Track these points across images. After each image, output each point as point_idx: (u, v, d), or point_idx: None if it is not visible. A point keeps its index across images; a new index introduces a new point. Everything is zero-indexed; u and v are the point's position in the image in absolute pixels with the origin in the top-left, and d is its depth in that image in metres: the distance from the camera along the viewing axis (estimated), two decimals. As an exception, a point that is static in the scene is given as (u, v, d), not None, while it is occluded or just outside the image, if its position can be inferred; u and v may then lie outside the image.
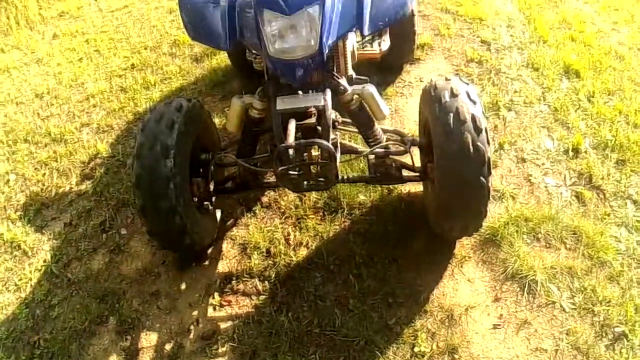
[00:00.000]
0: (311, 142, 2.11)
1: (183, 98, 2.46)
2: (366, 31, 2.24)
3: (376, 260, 2.64)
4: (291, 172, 2.17)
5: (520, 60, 4.24)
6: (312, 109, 2.27)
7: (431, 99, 2.28)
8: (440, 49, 4.44)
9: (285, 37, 2.12)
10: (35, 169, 3.68)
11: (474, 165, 2.12)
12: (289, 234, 2.80)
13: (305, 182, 2.25)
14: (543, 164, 3.16)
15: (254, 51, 2.43)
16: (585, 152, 3.24)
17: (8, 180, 3.62)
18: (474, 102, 2.19)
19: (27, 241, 3.07)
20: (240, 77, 4.15)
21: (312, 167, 2.20)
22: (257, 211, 2.95)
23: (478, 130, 2.11)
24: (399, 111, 3.68)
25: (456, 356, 2.26)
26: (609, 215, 2.82)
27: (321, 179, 2.22)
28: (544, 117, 3.56)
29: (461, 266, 2.60)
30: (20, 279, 2.86)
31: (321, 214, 2.88)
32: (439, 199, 2.32)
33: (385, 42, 3.41)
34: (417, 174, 2.56)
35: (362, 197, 2.92)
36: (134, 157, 2.28)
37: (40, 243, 3.06)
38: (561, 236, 2.69)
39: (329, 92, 2.29)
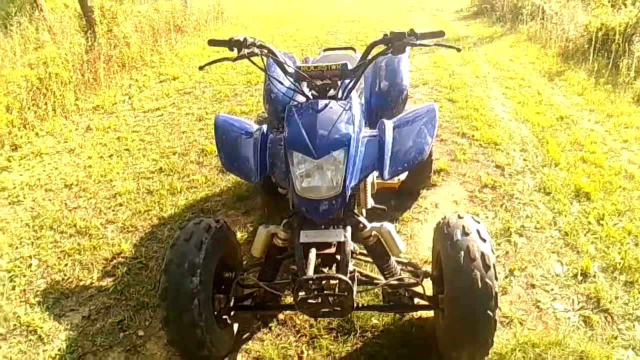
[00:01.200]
0: (330, 277, 2.23)
1: (212, 219, 2.60)
2: (386, 176, 2.41)
3: (386, 383, 2.66)
4: (310, 301, 2.28)
5: (533, 184, 4.38)
6: (333, 241, 2.42)
7: (444, 236, 2.40)
8: (456, 175, 4.60)
9: (312, 177, 2.29)
10: (59, 257, 3.76)
11: (482, 300, 2.21)
12: (302, 352, 2.83)
13: (322, 310, 2.35)
14: (552, 289, 3.21)
15: (282, 184, 2.61)
16: (594, 275, 3.29)
17: (30, 265, 3.69)
18: (484, 240, 2.31)
19: (43, 327, 3.09)
20: (264, 195, 4.21)
21: (329, 297, 2.31)
22: (272, 327, 2.99)
23: (487, 267, 2.22)
24: (414, 237, 3.76)
25: None
26: (616, 338, 2.84)
27: (338, 308, 2.32)
28: (554, 242, 3.64)
29: (468, 391, 2.61)
30: (33, 365, 2.87)
31: (334, 334, 2.91)
32: (447, 328, 2.40)
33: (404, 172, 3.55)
34: (429, 303, 2.66)
35: (374, 321, 2.96)
36: (162, 271, 2.39)
37: (57, 332, 3.08)
38: (567, 361, 2.70)
39: (349, 229, 2.45)
